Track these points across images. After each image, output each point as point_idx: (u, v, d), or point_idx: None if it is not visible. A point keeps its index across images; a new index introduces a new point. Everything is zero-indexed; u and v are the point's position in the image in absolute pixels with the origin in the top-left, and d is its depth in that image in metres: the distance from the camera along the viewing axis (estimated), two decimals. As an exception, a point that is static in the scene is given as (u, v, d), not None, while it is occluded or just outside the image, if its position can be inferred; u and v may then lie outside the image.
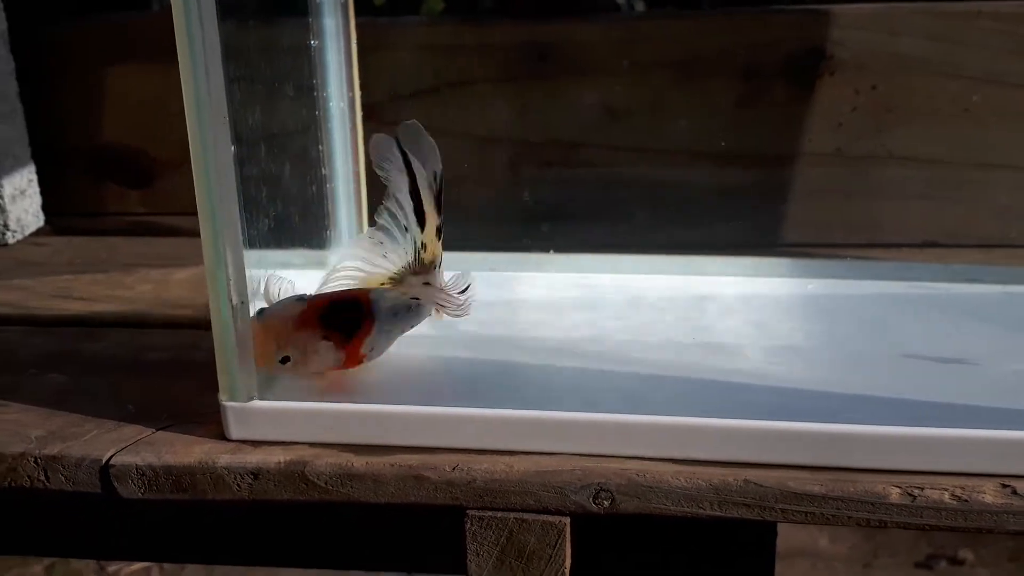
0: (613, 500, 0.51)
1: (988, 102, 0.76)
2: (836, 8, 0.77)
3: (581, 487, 0.50)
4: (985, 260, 0.79)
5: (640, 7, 0.83)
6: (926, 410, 0.53)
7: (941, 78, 0.76)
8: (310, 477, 0.52)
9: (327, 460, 0.52)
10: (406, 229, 0.55)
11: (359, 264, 0.57)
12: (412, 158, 0.54)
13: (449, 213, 0.81)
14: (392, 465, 0.52)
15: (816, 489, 0.49)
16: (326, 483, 0.52)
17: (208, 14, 0.48)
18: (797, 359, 0.60)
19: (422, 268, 0.56)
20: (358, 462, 0.52)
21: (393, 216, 0.56)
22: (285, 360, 0.55)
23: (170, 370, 0.64)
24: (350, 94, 0.72)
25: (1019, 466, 0.49)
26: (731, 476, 0.50)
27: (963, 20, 0.76)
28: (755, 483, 0.50)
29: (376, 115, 0.77)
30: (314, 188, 0.70)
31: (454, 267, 0.74)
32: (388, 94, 0.81)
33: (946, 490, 0.49)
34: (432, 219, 0.55)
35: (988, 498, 0.48)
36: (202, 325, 0.71)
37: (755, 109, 0.79)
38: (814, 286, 0.71)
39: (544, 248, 0.74)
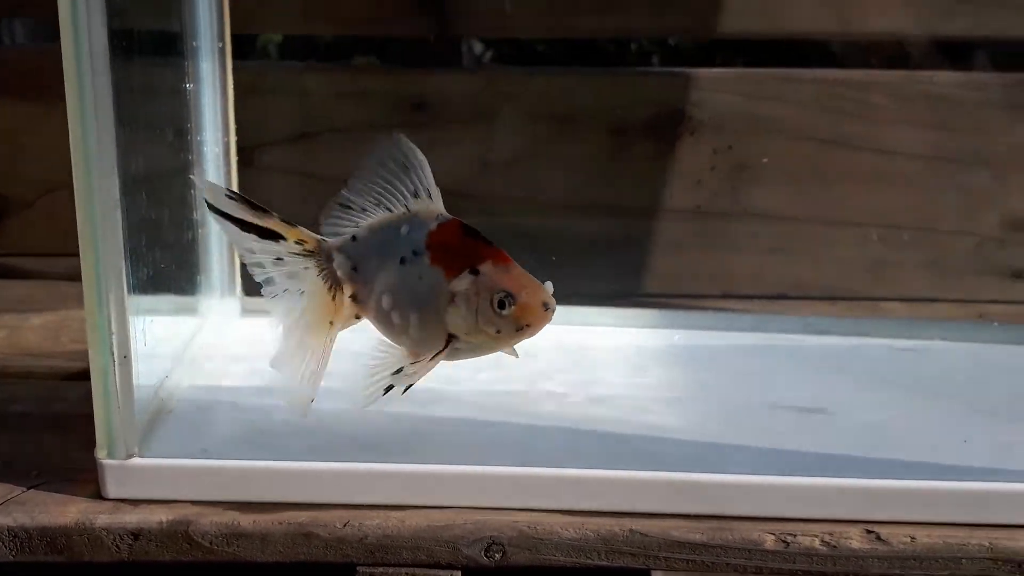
0: (504, 552, 0.51)
1: (834, 163, 0.82)
2: (697, 72, 0.81)
3: (473, 540, 0.51)
4: (831, 311, 0.84)
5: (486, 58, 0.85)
6: (795, 459, 0.56)
7: (792, 140, 0.82)
8: (194, 537, 0.51)
9: (212, 519, 0.51)
10: (280, 259, 0.53)
11: None
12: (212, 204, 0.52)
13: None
14: (280, 523, 0.51)
15: (697, 537, 0.52)
16: (211, 543, 0.51)
17: (99, 56, 0.47)
18: (673, 409, 0.62)
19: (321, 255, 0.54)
20: (245, 520, 0.51)
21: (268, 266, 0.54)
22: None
23: (35, 423, 0.61)
24: (225, 139, 0.71)
25: (881, 512, 0.53)
26: (617, 526, 0.52)
27: (813, 86, 0.81)
28: (640, 532, 0.52)
29: (252, 160, 0.77)
30: (187, 234, 0.69)
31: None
32: (264, 138, 0.80)
33: (816, 536, 0.52)
34: (275, 223, 0.53)
35: (855, 543, 0.52)
36: (64, 375, 0.69)
37: (622, 164, 0.82)
38: (680, 336, 0.74)
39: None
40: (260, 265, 0.53)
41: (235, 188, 0.72)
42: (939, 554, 0.52)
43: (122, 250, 0.50)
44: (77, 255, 0.49)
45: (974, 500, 0.53)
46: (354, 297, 0.54)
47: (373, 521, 0.51)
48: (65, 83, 0.47)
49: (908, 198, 0.82)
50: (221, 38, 0.69)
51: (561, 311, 0.72)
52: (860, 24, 0.80)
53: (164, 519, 0.51)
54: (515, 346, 0.54)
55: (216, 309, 0.73)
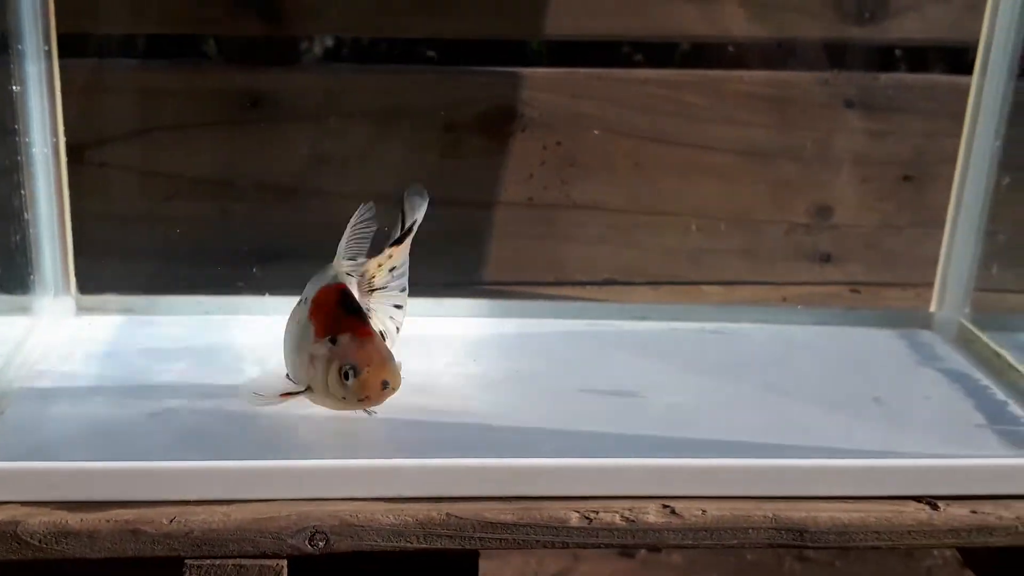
0: (328, 541, 0.54)
1: (653, 157, 0.87)
2: (525, 71, 0.84)
3: (297, 531, 0.54)
4: (655, 296, 0.89)
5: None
6: (601, 441, 0.61)
7: (615, 136, 0.86)
8: (23, 536, 0.52)
9: (40, 519, 0.53)
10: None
11: None
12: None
13: (155, 257, 0.82)
14: (108, 521, 0.53)
15: (508, 518, 0.55)
16: (40, 541, 0.52)
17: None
18: (492, 396, 0.66)
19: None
20: (72, 519, 0.53)
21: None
22: None
23: None
24: (54, 139, 0.72)
25: (675, 488, 0.57)
26: (435, 511, 0.55)
27: (633, 85, 0.86)
28: (456, 516, 0.55)
29: (84, 158, 0.77)
30: (16, 234, 0.69)
31: (158, 311, 0.75)
32: (97, 137, 0.81)
33: (617, 512, 0.56)
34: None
35: (652, 518, 0.56)
36: None
37: (455, 159, 0.85)
38: (511, 325, 0.78)
39: (259, 291, 0.77)
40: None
41: (66, 186, 0.73)
42: (727, 525, 0.56)
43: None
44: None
45: (759, 475, 0.58)
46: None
47: (199, 516, 0.53)
48: None
49: (723, 190, 0.88)
50: (47, 41, 0.69)
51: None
52: (677, 27, 0.85)
53: (-8, 520, 0.52)
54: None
55: (49, 308, 0.73)
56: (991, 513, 0.58)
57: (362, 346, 0.55)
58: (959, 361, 0.75)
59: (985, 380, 0.72)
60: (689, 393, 0.68)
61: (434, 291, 0.81)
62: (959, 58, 0.78)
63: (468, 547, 0.56)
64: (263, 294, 0.76)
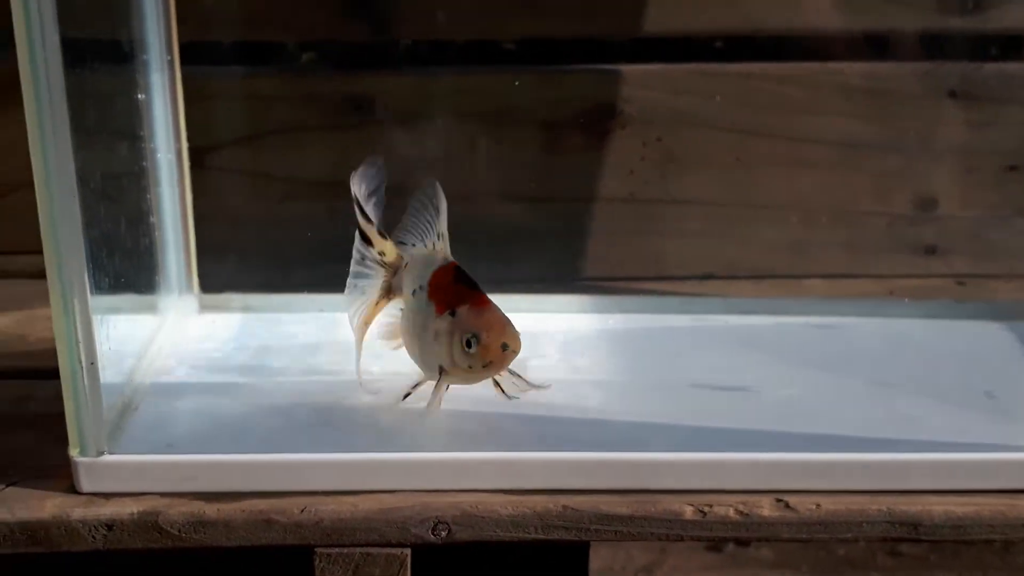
0: (450, 531, 0.56)
1: (753, 151, 0.87)
2: (623, 68, 0.85)
3: (420, 521, 0.56)
4: (756, 290, 0.89)
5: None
6: (713, 435, 0.62)
7: (714, 131, 0.86)
8: (163, 526, 0.55)
9: (179, 509, 0.56)
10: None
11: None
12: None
13: (272, 256, 0.85)
14: (243, 511, 0.56)
15: (623, 511, 0.57)
16: (179, 531, 0.55)
17: (54, 67, 0.50)
18: (603, 392, 0.67)
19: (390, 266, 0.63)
20: (209, 509, 0.56)
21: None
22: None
23: (9, 423, 0.65)
24: (177, 145, 0.75)
25: (789, 482, 0.58)
26: (551, 503, 0.57)
27: (732, 80, 0.86)
28: (572, 508, 0.57)
29: (203, 162, 0.80)
30: (144, 236, 0.72)
31: (276, 309, 0.78)
32: (214, 142, 0.84)
33: (731, 506, 0.57)
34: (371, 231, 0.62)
35: (766, 512, 0.57)
36: (34, 374, 0.72)
37: (557, 157, 0.87)
38: (614, 321, 0.79)
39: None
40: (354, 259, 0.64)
41: (189, 190, 0.76)
42: (842, 519, 0.57)
43: (84, 261, 0.54)
44: (36, 252, 0.53)
45: (873, 469, 0.58)
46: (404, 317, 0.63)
47: (328, 506, 0.56)
48: (23, 92, 0.50)
49: (824, 182, 0.88)
50: (169, 51, 0.73)
51: (506, 299, 0.77)
52: (774, 20, 0.85)
53: (135, 510, 0.55)
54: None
55: (175, 307, 0.76)
56: (1109, 507, 0.58)
57: (480, 314, 0.57)
58: (1070, 353, 0.74)
59: (1099, 373, 0.71)
60: (798, 387, 0.68)
61: (536, 287, 0.83)
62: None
63: (584, 539, 0.57)
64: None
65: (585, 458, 0.58)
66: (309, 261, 0.81)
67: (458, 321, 0.57)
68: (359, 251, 0.63)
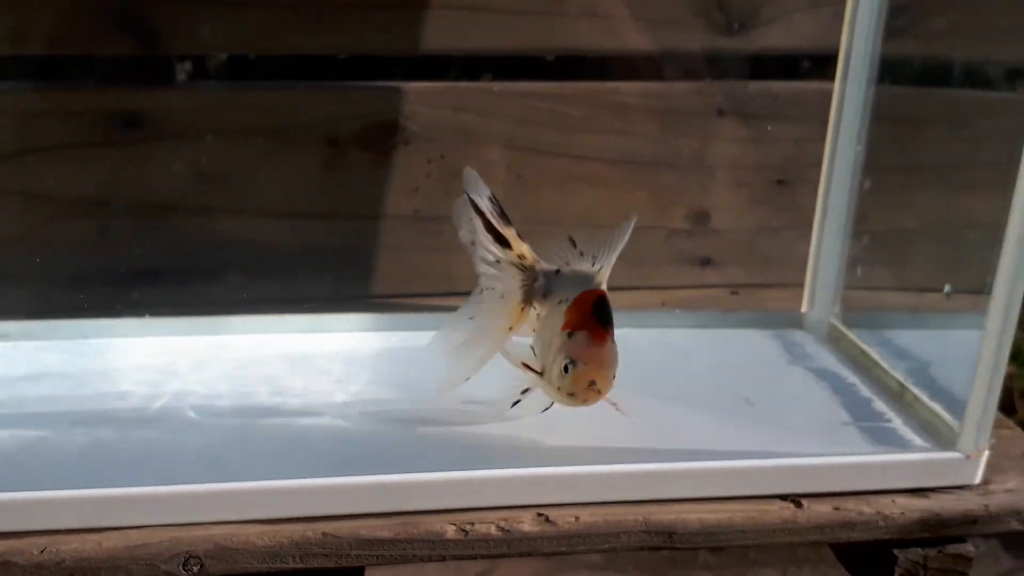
0: (202, 565, 0.55)
1: (535, 169, 0.88)
2: (405, 85, 0.85)
3: (170, 556, 0.54)
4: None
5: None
6: (477, 452, 0.62)
7: (498, 148, 0.87)
8: None
9: (-96, 556, 0.52)
10: (498, 261, 0.62)
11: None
12: (473, 199, 0.61)
13: (34, 281, 0.81)
14: (-24, 555, 0.53)
15: (385, 534, 0.56)
16: (-97, 581, 0.52)
17: None
18: (370, 413, 0.67)
19: (530, 273, 0.62)
20: (-61, 555, 0.52)
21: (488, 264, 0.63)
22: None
23: None
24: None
25: (550, 496, 0.59)
26: (310, 531, 0.56)
27: (512, 98, 0.87)
28: (332, 535, 0.56)
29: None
30: None
31: (36, 336, 0.75)
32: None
33: (493, 523, 0.58)
34: (511, 234, 0.62)
35: (527, 527, 0.58)
36: None
37: (340, 174, 0.86)
38: (397, 339, 0.79)
39: (139, 312, 0.76)
40: (484, 260, 0.63)
41: None
42: (599, 531, 0.58)
43: None
44: None
45: (629, 480, 0.60)
46: (539, 315, 0.63)
47: (71, 545, 0.53)
48: None
49: (604, 199, 0.90)
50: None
51: (286, 319, 0.76)
52: (552, 41, 0.86)
53: None
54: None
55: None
56: (853, 509, 0.61)
57: (589, 345, 0.58)
58: (828, 360, 0.77)
59: (852, 378, 0.74)
60: (566, 400, 0.69)
61: (320, 306, 0.81)
62: (826, 65, 0.80)
63: (346, 565, 0.57)
64: (143, 315, 0.76)
65: (343, 483, 0.57)
66: (72, 284, 0.77)
67: (569, 343, 0.59)
68: (492, 254, 0.63)
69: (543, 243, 0.64)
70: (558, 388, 0.59)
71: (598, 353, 0.58)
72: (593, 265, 0.62)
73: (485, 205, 0.62)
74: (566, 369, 0.58)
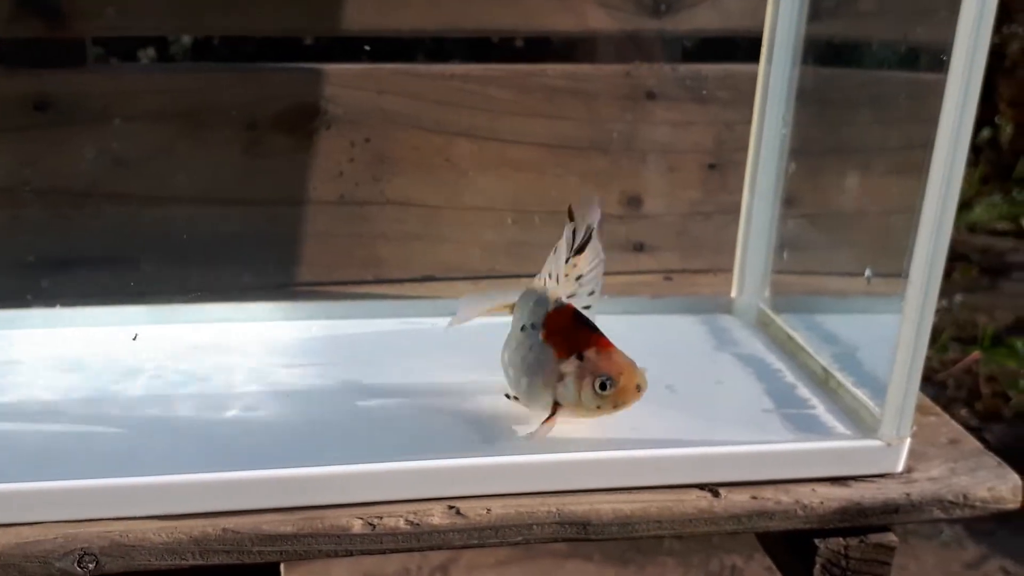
0: (98, 562, 0.53)
1: (462, 153, 0.86)
2: (327, 67, 0.83)
3: (64, 553, 0.52)
4: (474, 290, 0.89)
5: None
6: (385, 443, 0.60)
7: (422, 132, 0.85)
8: None
9: None
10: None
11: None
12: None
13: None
14: None
15: (287, 529, 0.55)
16: None
17: None
18: (282, 404, 0.65)
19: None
20: None
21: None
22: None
23: None
24: None
25: (460, 488, 0.58)
26: (210, 527, 0.54)
27: (438, 80, 0.85)
28: (232, 530, 0.54)
29: None
30: None
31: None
32: None
33: (402, 516, 0.56)
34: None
35: (436, 520, 0.56)
36: None
37: (260, 159, 0.84)
38: (318, 328, 0.77)
39: (50, 303, 0.74)
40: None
41: None
42: (511, 522, 0.57)
43: None
44: None
45: (542, 470, 0.58)
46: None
47: (-43, 545, 0.52)
48: None
49: (535, 183, 0.88)
50: None
51: (206, 308, 0.74)
52: (475, 22, 0.85)
53: None
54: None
55: None
56: (771, 498, 0.60)
57: (609, 357, 0.59)
58: (755, 345, 0.76)
59: (778, 363, 0.74)
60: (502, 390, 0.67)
61: (240, 294, 0.79)
62: (754, 47, 0.79)
63: (248, 561, 0.55)
64: (54, 305, 0.73)
65: (244, 477, 0.55)
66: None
67: (587, 365, 0.59)
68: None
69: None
70: (598, 407, 0.59)
71: (623, 360, 0.60)
72: (550, 279, 0.63)
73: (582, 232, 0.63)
74: (604, 387, 0.58)
